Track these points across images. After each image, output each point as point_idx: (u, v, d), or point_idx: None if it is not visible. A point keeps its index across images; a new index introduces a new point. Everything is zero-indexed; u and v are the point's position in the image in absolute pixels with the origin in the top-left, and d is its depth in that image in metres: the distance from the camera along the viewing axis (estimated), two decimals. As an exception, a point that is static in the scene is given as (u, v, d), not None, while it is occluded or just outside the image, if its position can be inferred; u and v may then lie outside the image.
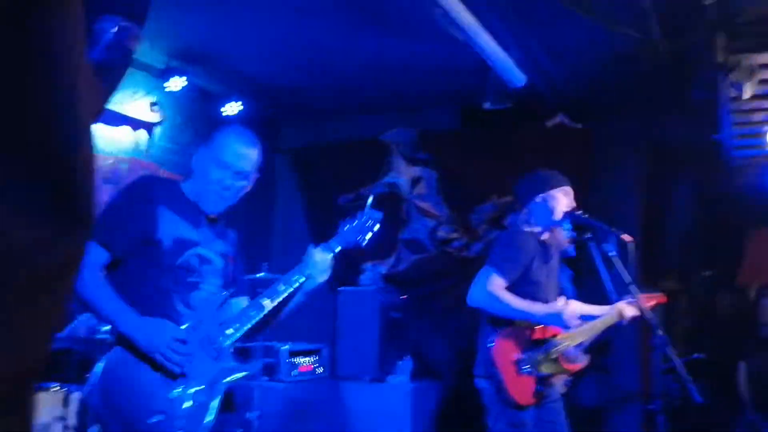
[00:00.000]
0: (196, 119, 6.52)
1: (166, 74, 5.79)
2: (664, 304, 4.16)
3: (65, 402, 3.83)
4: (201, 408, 2.52)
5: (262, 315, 2.72)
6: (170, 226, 2.63)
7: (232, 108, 6.39)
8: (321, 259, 2.85)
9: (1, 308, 0.55)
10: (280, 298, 2.77)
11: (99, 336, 4.07)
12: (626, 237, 3.65)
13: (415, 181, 6.70)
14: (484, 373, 3.68)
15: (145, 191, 2.67)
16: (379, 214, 3.10)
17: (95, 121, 0.68)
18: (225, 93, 6.43)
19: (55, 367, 3.89)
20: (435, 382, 6.06)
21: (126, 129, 5.82)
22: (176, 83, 5.80)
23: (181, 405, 2.47)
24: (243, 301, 2.85)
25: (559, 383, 3.81)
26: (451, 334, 6.23)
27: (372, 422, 5.67)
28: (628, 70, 5.40)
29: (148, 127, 6.05)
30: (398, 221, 6.59)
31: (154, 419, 2.39)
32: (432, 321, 6.34)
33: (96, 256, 2.52)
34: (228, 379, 2.65)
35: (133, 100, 5.83)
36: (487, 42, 4.63)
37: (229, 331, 2.67)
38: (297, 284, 2.80)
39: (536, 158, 5.02)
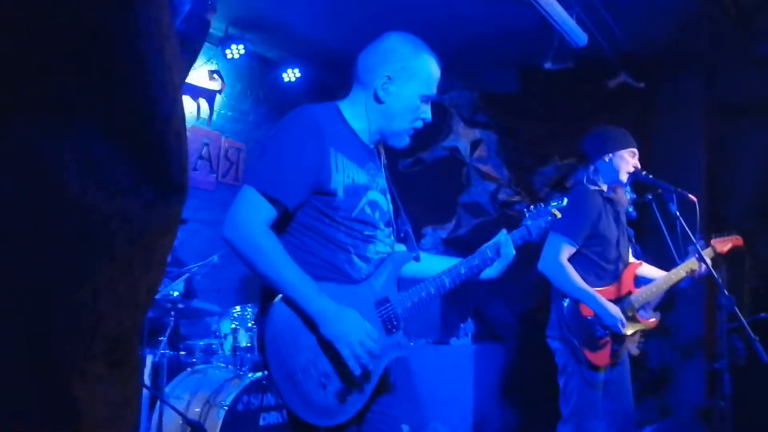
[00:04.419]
0: (256, 86, 6.60)
1: (224, 42, 5.84)
2: (738, 250, 4.03)
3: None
4: (366, 378, 2.21)
5: (437, 294, 2.38)
6: (343, 171, 2.20)
7: (289, 75, 6.43)
8: (511, 251, 2.48)
9: (103, 273, 0.57)
10: (459, 282, 2.42)
11: (168, 299, 4.18)
12: (691, 197, 3.61)
13: (474, 144, 6.63)
14: (558, 335, 3.65)
15: (314, 128, 2.18)
16: (552, 216, 2.68)
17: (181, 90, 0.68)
18: (284, 59, 6.47)
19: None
20: (497, 344, 6.11)
21: (186, 98, 5.90)
22: (235, 51, 5.84)
23: (348, 374, 2.14)
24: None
25: (632, 344, 3.80)
26: (511, 297, 6.23)
27: (435, 384, 5.76)
28: (692, 27, 5.27)
29: (209, 95, 6.14)
30: (458, 185, 6.58)
31: (322, 380, 2.11)
32: (493, 284, 6.32)
33: (265, 215, 2.09)
34: (395, 355, 2.32)
35: (193, 69, 5.91)
36: (548, 1, 4.56)
37: (407, 304, 2.34)
38: (477, 270, 2.45)
39: (598, 119, 4.95)
